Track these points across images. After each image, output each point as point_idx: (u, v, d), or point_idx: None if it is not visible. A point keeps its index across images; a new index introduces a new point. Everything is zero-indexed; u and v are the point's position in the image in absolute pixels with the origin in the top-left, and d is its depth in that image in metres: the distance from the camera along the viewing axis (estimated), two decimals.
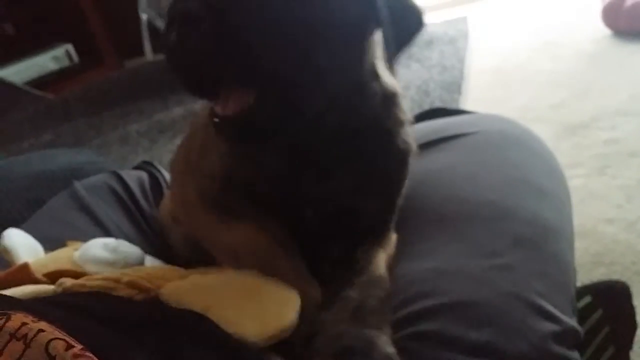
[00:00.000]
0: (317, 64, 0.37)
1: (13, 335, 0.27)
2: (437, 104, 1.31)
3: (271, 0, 0.35)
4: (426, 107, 1.31)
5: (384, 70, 0.45)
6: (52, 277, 0.41)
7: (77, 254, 0.45)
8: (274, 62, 0.35)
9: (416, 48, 1.68)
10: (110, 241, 0.46)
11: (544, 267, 0.43)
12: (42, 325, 0.28)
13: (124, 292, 0.38)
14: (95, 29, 2.58)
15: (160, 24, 2.15)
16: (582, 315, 0.54)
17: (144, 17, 2.18)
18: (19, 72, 2.38)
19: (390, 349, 0.35)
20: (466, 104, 1.31)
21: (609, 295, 0.56)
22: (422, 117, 0.68)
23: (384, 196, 0.46)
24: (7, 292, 0.38)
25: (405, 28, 0.41)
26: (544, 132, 1.09)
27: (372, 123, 0.44)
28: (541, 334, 0.38)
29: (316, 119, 0.40)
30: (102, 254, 0.44)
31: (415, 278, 0.42)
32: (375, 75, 0.44)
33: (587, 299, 0.56)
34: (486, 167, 0.52)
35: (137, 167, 0.73)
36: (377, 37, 0.43)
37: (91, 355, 0.26)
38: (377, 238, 0.46)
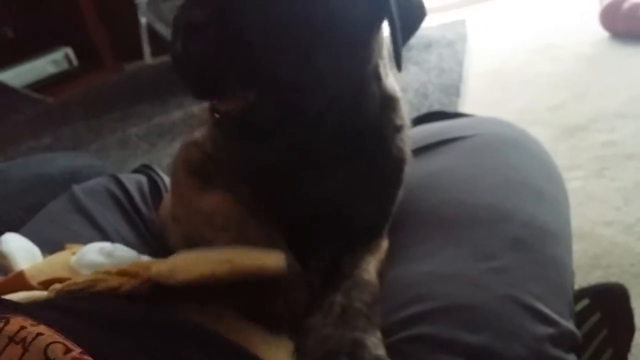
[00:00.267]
0: (319, 66, 0.37)
1: (12, 339, 0.27)
2: (436, 106, 1.31)
3: (273, 2, 0.35)
4: (425, 109, 1.31)
5: (386, 72, 0.46)
6: (48, 285, 0.41)
7: (73, 258, 0.45)
8: (276, 64, 0.36)
9: (415, 51, 1.69)
10: (106, 245, 0.46)
11: (542, 270, 0.43)
12: (41, 328, 0.28)
13: (115, 281, 0.38)
14: (94, 33, 2.58)
15: (160, 27, 2.15)
16: (580, 318, 0.54)
17: (143, 20, 2.19)
18: (19, 75, 2.38)
19: (381, 351, 0.35)
20: (465, 106, 1.32)
21: (607, 298, 0.56)
22: (420, 120, 0.68)
23: (377, 200, 0.46)
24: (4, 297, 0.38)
25: (410, 18, 0.41)
26: (542, 134, 1.10)
27: (370, 125, 0.44)
28: (538, 337, 0.38)
29: (316, 118, 0.40)
30: (98, 258, 0.44)
31: (411, 281, 0.42)
32: (377, 77, 0.44)
33: (585, 302, 0.56)
34: (484, 169, 0.52)
35: (136, 171, 0.73)
36: (383, 35, 0.43)
37: (90, 358, 0.26)
38: (367, 243, 0.46)
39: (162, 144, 1.50)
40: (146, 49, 2.26)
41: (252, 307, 0.38)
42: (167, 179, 0.71)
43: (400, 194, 0.48)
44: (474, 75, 1.49)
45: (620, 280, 0.70)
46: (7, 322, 0.28)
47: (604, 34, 1.50)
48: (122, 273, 0.38)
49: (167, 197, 0.65)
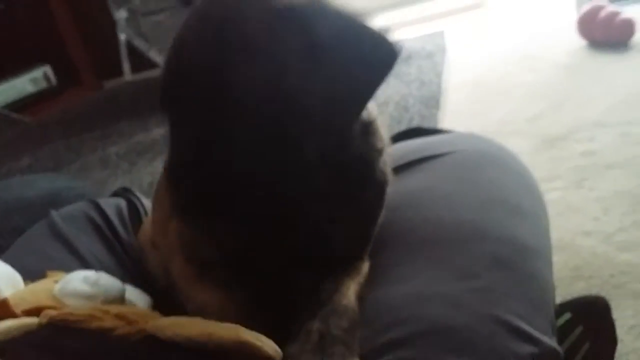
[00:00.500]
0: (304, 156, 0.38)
1: None
2: (416, 119, 1.33)
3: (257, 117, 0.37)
4: (405, 122, 1.33)
5: None
6: (31, 313, 0.41)
7: (57, 287, 0.45)
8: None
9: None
10: (90, 274, 0.46)
11: (523, 287, 0.43)
12: None
13: (110, 322, 0.38)
14: (73, 50, 2.56)
15: (139, 43, 2.14)
16: (563, 332, 0.55)
17: (122, 37, 2.18)
18: None
19: None
20: (445, 118, 1.33)
21: (589, 311, 0.56)
22: (399, 137, 0.69)
23: (359, 225, 0.46)
24: None
25: (378, 65, 0.41)
26: (521, 145, 1.12)
27: (353, 155, 0.44)
28: (521, 356, 0.38)
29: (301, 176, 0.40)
30: (82, 287, 0.44)
31: (392, 304, 0.42)
32: None
33: (567, 316, 0.56)
34: (463, 187, 0.52)
35: (116, 194, 0.73)
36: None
37: None
38: (347, 267, 0.45)
39: (142, 162, 1.49)
40: (126, 65, 2.24)
41: None
42: (146, 202, 0.70)
43: (382, 214, 0.48)
44: (454, 86, 1.50)
45: (602, 292, 0.71)
46: None
47: (581, 42, 1.52)
48: (120, 317, 0.39)
49: (146, 222, 0.64)
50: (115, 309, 0.41)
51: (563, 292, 0.72)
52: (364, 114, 0.45)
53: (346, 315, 0.40)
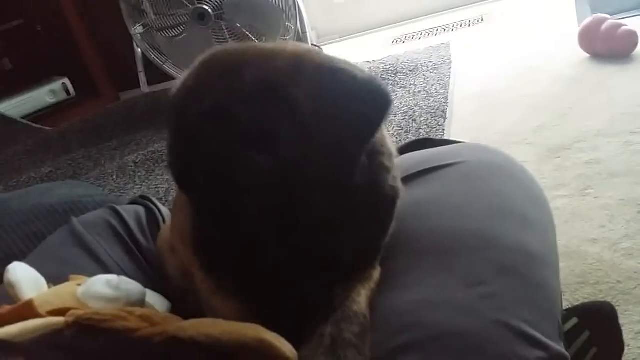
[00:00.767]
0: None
1: None
2: (424, 129, 1.34)
3: None
4: (413, 132, 1.35)
5: None
6: (56, 314, 0.42)
7: (80, 290, 0.46)
8: None
9: (401, 75, 1.73)
10: (112, 278, 0.47)
11: (530, 294, 0.44)
12: None
13: (135, 323, 0.39)
14: (91, 63, 2.63)
15: (155, 57, 2.19)
16: (570, 338, 0.55)
17: (138, 51, 2.24)
18: (17, 106, 2.41)
19: None
20: (451, 128, 1.34)
21: (595, 316, 0.57)
22: (408, 147, 0.70)
23: (368, 239, 0.47)
24: (17, 326, 0.39)
25: (370, 113, 0.41)
26: (527, 155, 1.13)
27: (359, 181, 0.44)
28: None
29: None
30: (105, 290, 0.45)
31: (401, 309, 0.42)
32: None
33: (573, 321, 0.57)
34: (471, 197, 0.53)
35: (134, 202, 0.74)
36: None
37: None
38: (358, 274, 0.46)
39: (159, 170, 1.52)
40: (142, 78, 2.30)
41: None
42: (163, 209, 0.72)
43: (392, 225, 0.49)
44: (459, 98, 1.52)
45: (608, 298, 0.72)
46: None
47: (583, 55, 1.53)
48: (144, 318, 0.40)
49: (164, 227, 0.66)
50: (139, 310, 0.41)
51: (570, 298, 0.74)
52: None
53: (357, 321, 0.41)
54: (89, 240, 0.62)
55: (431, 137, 1.27)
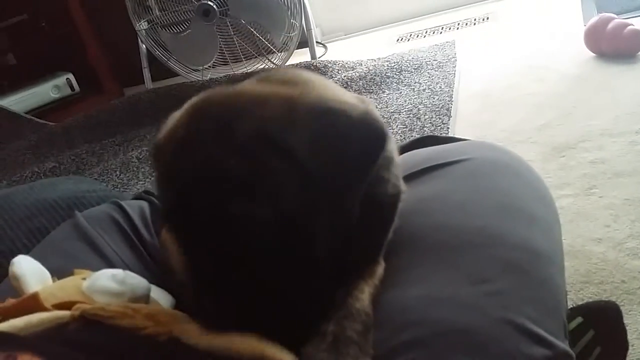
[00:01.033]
0: None
1: None
2: (428, 126, 1.34)
3: None
4: (417, 130, 1.34)
5: None
6: (61, 308, 0.42)
7: (85, 284, 0.46)
8: None
9: (406, 73, 1.73)
10: (118, 272, 0.47)
11: (535, 291, 0.44)
12: None
13: (140, 322, 0.39)
14: (95, 59, 2.64)
15: (159, 53, 2.20)
16: (574, 337, 0.55)
17: (143, 47, 2.24)
18: (21, 101, 2.42)
19: None
20: (456, 126, 1.34)
21: (600, 316, 0.57)
22: (413, 145, 0.70)
23: (369, 238, 0.47)
24: (23, 319, 0.39)
25: (369, 149, 0.41)
26: (531, 153, 1.13)
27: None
28: (534, 359, 0.38)
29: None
30: (110, 284, 0.45)
31: (405, 306, 0.42)
32: None
33: (578, 320, 0.57)
34: (476, 194, 0.53)
35: (138, 197, 0.74)
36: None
37: None
38: (361, 270, 0.46)
39: None
40: (146, 74, 2.30)
41: None
42: None
43: (395, 222, 0.49)
44: (464, 96, 1.51)
45: (613, 297, 0.72)
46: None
47: (589, 54, 1.53)
48: (150, 317, 0.39)
49: None
50: (145, 309, 0.41)
51: (574, 298, 0.73)
52: None
53: (360, 318, 0.41)
54: (93, 234, 0.62)
55: (437, 134, 1.27)
